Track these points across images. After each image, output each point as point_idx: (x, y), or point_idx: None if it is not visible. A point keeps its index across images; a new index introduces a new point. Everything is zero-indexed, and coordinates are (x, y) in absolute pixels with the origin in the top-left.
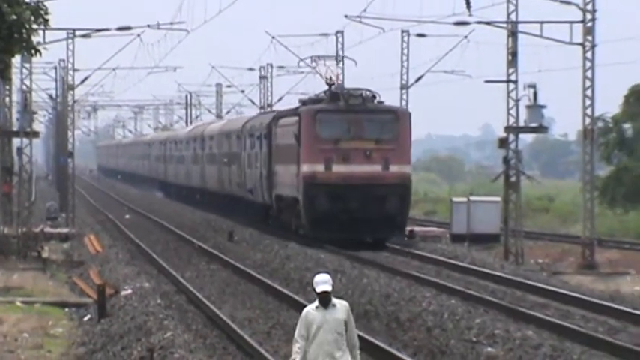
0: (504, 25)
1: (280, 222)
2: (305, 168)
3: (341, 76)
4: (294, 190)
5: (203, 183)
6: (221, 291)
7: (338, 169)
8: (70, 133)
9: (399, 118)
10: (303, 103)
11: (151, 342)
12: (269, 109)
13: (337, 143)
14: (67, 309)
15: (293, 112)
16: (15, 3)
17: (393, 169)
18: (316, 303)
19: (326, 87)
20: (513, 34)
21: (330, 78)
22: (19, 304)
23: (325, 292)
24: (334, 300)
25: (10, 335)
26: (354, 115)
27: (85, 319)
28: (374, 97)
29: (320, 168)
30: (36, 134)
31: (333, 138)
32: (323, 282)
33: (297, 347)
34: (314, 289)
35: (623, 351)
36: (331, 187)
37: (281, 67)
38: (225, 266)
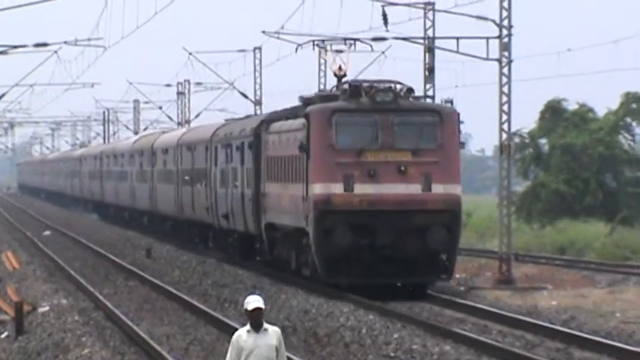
0: (421, 40)
1: (273, 258)
2: (317, 189)
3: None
4: (297, 218)
5: (153, 205)
6: (139, 307)
7: (362, 189)
8: None
9: (444, 121)
10: (307, 101)
11: (69, 359)
12: (187, 125)
13: (361, 155)
14: None
15: (293, 113)
16: None
17: (437, 189)
18: (248, 326)
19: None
20: (430, 49)
21: (340, 68)
22: None
23: (258, 309)
24: (266, 325)
25: None
26: (383, 117)
27: (2, 336)
28: (410, 90)
29: (338, 189)
30: None
31: (355, 148)
32: (254, 300)
33: None
34: (245, 310)
35: None
36: (353, 214)
37: (199, 83)
38: (143, 283)
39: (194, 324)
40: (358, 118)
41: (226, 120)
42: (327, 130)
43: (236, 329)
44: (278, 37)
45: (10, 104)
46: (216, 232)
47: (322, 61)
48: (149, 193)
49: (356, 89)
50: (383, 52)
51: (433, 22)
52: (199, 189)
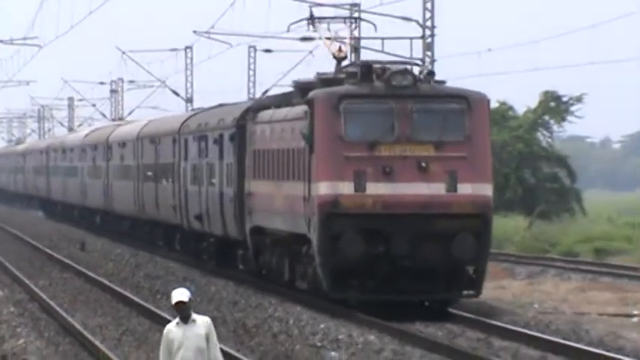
0: (348, 40)
1: (260, 267)
2: (322, 188)
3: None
4: (295, 222)
5: (108, 203)
6: (73, 299)
7: (376, 189)
8: None
9: (472, 108)
10: (304, 85)
11: (4, 349)
12: (120, 121)
13: (374, 149)
14: None
15: (285, 100)
16: None
17: (464, 189)
18: (177, 319)
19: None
20: (356, 49)
21: (340, 49)
22: None
23: (181, 302)
24: (194, 315)
25: None
26: (400, 104)
27: None
28: (431, 73)
29: (347, 188)
30: None
31: (367, 140)
32: (179, 294)
33: None
34: (172, 304)
35: (462, 355)
36: (365, 218)
37: (131, 81)
38: (77, 275)
39: (127, 315)
40: (372, 105)
41: (193, 109)
42: (335, 119)
43: (167, 320)
44: (209, 37)
45: None
46: (185, 234)
47: (251, 60)
48: (103, 190)
49: (368, 70)
50: (311, 52)
51: (359, 23)
52: (165, 186)
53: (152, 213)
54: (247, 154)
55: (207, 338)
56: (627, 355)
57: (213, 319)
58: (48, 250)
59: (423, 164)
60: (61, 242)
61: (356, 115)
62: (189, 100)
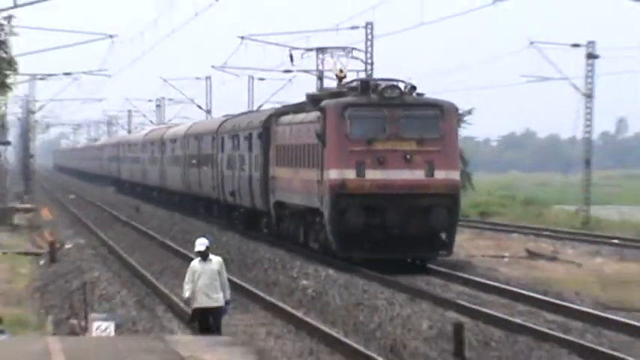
0: (315, 72)
1: (280, 231)
2: (333, 174)
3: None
4: (310, 199)
5: (162, 182)
6: (131, 245)
7: (373, 175)
8: (31, 143)
9: (444, 114)
10: (315, 97)
11: (85, 278)
12: (165, 125)
13: (371, 144)
14: (29, 257)
15: (300, 108)
16: None
17: (439, 175)
18: (199, 258)
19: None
20: (320, 78)
21: (341, 70)
22: None
23: (199, 251)
24: (211, 256)
25: None
26: (390, 110)
27: (41, 263)
28: (413, 88)
29: (351, 174)
30: (9, 143)
31: (366, 138)
32: (200, 244)
33: (186, 288)
34: (195, 251)
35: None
36: (365, 197)
37: (170, 99)
38: (134, 229)
39: (167, 256)
40: (369, 111)
41: (225, 116)
42: (342, 122)
43: (192, 259)
44: (222, 70)
45: (47, 113)
46: (221, 206)
47: (250, 85)
48: (159, 173)
49: (366, 85)
50: (290, 80)
51: (322, 60)
52: (205, 170)
53: (195, 190)
54: (271, 148)
55: (219, 271)
56: (500, 282)
57: (225, 259)
58: (115, 212)
59: (408, 156)
60: (124, 207)
61: (357, 119)
62: (208, 112)
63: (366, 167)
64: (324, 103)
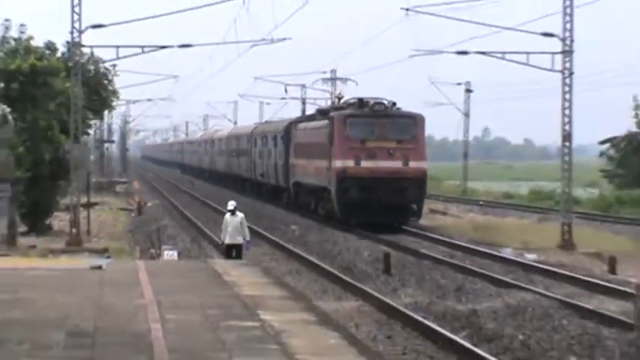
0: (300, 99)
1: (298, 202)
2: (338, 164)
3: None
4: (321, 180)
5: (212, 166)
6: (187, 204)
7: (366, 164)
8: (127, 141)
9: (416, 122)
10: (322, 111)
11: (159, 224)
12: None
13: (364, 143)
14: (125, 211)
15: (311, 118)
16: (103, 89)
17: (412, 164)
18: (229, 213)
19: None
20: (303, 103)
21: (340, 93)
22: (107, 209)
23: (230, 210)
24: (237, 212)
25: (105, 221)
26: (378, 120)
27: (132, 215)
28: (394, 104)
29: (351, 164)
30: (112, 141)
31: (360, 138)
32: (230, 205)
33: (223, 233)
34: (228, 209)
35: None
36: (360, 179)
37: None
38: (190, 195)
39: (211, 211)
40: (363, 120)
41: (255, 124)
42: (344, 127)
43: (225, 214)
44: (243, 97)
45: (137, 122)
46: (253, 183)
47: (261, 107)
48: (209, 160)
49: (362, 102)
50: (285, 103)
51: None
52: (242, 159)
53: (235, 172)
54: (291, 145)
55: (241, 222)
56: (412, 228)
57: (246, 214)
58: (178, 185)
59: (391, 152)
60: (185, 182)
61: (355, 125)
62: (235, 122)
63: (361, 159)
64: (331, 114)
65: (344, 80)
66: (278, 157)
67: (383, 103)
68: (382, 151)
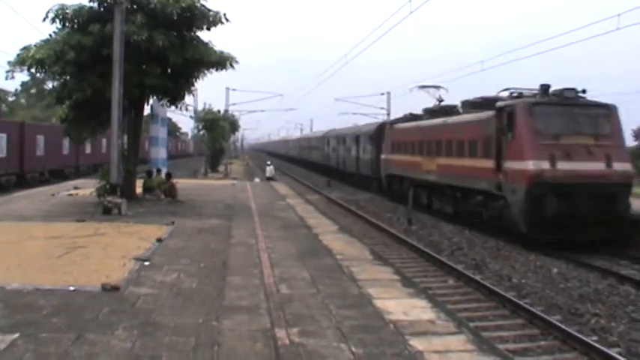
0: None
1: (392, 191)
2: (529, 165)
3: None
4: (477, 183)
5: (326, 161)
6: (285, 173)
7: (564, 166)
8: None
9: (611, 114)
10: (414, 115)
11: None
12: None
13: (558, 139)
14: (244, 165)
15: (405, 119)
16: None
17: (617, 166)
18: (269, 169)
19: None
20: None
21: (440, 96)
22: (236, 165)
23: (268, 177)
24: (272, 166)
25: (235, 169)
26: (570, 109)
27: (235, 182)
28: (583, 91)
29: (546, 165)
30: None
31: (553, 133)
32: (268, 171)
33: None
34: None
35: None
36: (560, 186)
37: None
38: (292, 178)
39: (309, 181)
40: (553, 109)
41: (321, 131)
42: (531, 118)
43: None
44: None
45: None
46: (338, 171)
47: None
48: (298, 153)
49: (545, 89)
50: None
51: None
52: (349, 155)
53: (323, 163)
54: (385, 143)
55: (272, 171)
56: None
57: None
58: (282, 169)
59: (590, 150)
60: (288, 166)
61: (544, 116)
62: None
63: (556, 159)
64: (514, 101)
65: (437, 87)
66: (362, 152)
67: (575, 89)
68: (580, 149)
